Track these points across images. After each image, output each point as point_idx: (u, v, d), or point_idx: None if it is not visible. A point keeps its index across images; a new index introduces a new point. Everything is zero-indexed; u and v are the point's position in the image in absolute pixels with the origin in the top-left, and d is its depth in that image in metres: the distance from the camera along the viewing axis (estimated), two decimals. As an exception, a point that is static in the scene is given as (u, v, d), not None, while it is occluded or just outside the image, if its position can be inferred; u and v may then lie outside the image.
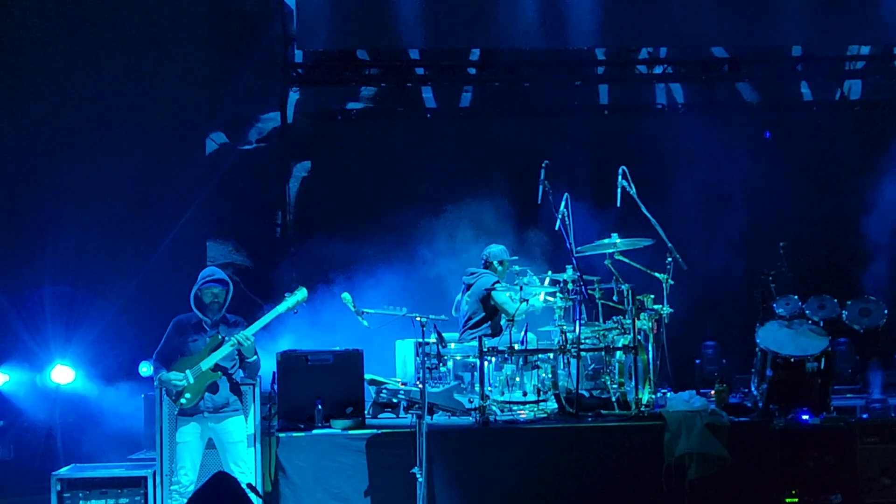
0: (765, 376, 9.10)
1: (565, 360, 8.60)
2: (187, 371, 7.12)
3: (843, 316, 10.50)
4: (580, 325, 8.63)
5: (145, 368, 8.09)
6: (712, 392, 9.11)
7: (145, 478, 7.50)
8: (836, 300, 10.58)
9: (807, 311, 9.87)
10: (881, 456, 8.44)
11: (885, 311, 10.82)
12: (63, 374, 9.09)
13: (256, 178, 12.91)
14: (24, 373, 9.96)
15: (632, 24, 13.84)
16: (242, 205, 12.56)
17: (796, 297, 9.83)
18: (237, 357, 7.35)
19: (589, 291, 8.77)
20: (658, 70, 14.37)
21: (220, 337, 7.23)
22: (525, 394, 8.72)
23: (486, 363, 8.35)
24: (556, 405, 8.47)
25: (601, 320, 9.04)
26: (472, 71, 14.11)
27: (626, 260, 8.83)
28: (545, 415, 8.50)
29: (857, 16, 14.11)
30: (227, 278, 7.51)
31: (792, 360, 9.00)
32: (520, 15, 13.55)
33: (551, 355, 8.64)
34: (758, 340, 9.29)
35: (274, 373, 8.09)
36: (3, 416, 10.13)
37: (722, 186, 12.75)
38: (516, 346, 8.56)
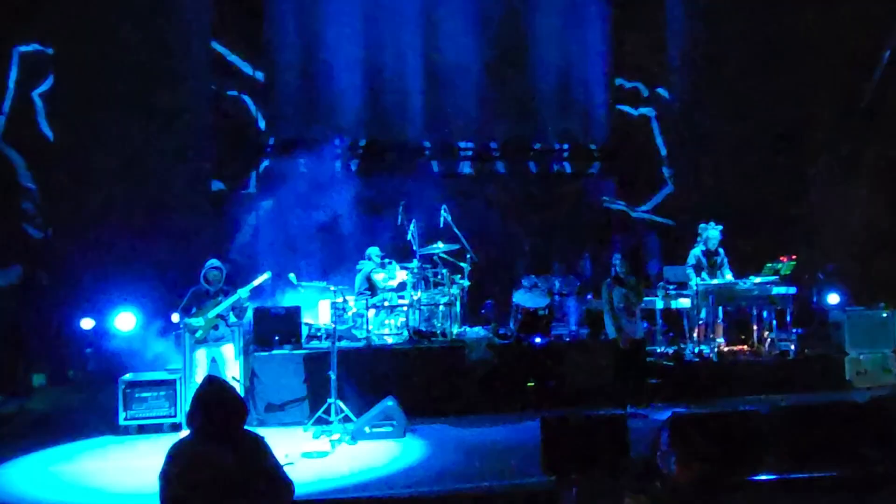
0: (517, 319, 9.78)
1: (413, 310, 9.38)
2: (200, 318, 7.67)
3: (556, 287, 11.02)
4: (421, 291, 9.54)
5: (175, 316, 8.32)
6: (490, 327, 9.95)
7: (175, 380, 7.99)
8: (556, 277, 11.27)
9: (538, 283, 10.38)
10: (576, 361, 8.97)
11: (575, 283, 11.42)
12: (127, 319, 9.27)
13: (242, 210, 13.17)
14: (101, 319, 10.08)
15: (447, 124, 14.43)
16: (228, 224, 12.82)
17: (533, 276, 10.43)
18: (232, 309, 7.80)
19: (426, 273, 9.68)
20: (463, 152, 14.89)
21: (218, 298, 7.75)
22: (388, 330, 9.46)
23: (370, 311, 9.18)
24: (407, 335, 9.18)
25: (432, 287, 9.83)
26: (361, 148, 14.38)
27: (445, 255, 9.71)
28: (401, 341, 9.15)
29: (560, 121, 15.05)
30: (222, 266, 8.02)
31: (530, 309, 9.66)
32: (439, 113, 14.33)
33: (405, 307, 9.41)
34: (514, 300, 10.07)
35: (250, 320, 8.52)
36: (91, 345, 10.29)
37: (495, 218, 13.04)
38: (386, 303, 9.40)
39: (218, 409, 3.18)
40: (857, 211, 14.54)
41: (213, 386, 3.37)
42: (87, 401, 9.17)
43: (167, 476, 3.11)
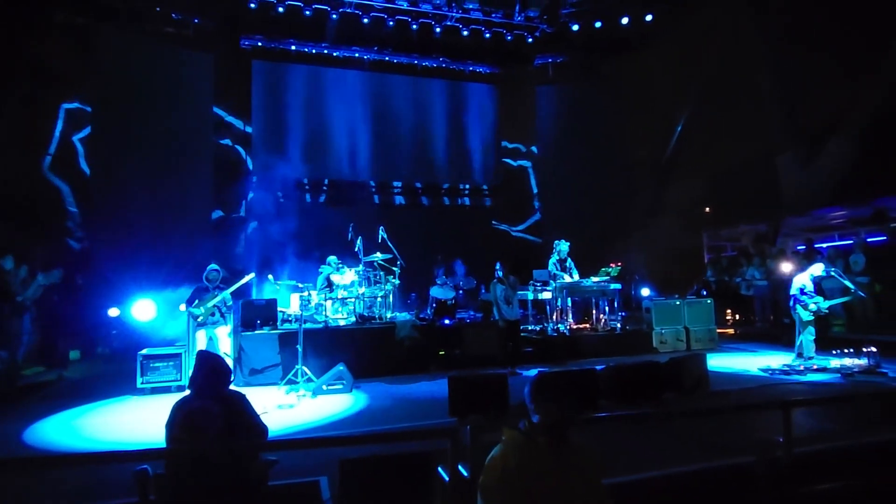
0: (433, 306, 9.81)
1: (359, 301, 9.31)
2: (201, 307, 7.51)
3: (461, 284, 11.28)
4: (365, 287, 9.44)
5: (183, 307, 7.96)
6: (413, 313, 9.99)
7: (180, 353, 7.70)
8: (460, 277, 11.43)
9: (447, 281, 10.61)
10: (473, 336, 9.05)
11: (473, 282, 11.52)
12: (146, 307, 8.82)
13: (235, 230, 12.72)
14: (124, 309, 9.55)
15: (386, 170, 14.43)
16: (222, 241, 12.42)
17: (444, 276, 10.64)
18: (223, 302, 7.63)
19: (368, 274, 9.56)
20: (396, 189, 14.85)
21: (215, 293, 7.56)
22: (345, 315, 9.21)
23: (327, 302, 9.08)
24: (354, 318, 9.11)
25: (373, 284, 9.64)
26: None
27: (382, 262, 9.58)
28: (351, 322, 9.04)
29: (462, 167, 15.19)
30: (219, 268, 7.87)
31: (442, 299, 9.71)
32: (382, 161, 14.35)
33: (355, 298, 9.29)
34: (430, 293, 10.21)
35: (239, 310, 8.35)
36: (116, 328, 9.87)
37: (418, 236, 12.93)
38: (340, 295, 9.22)
39: (209, 374, 3.14)
40: (661, 232, 15.36)
41: (207, 357, 3.29)
42: (112, 371, 8.87)
43: (171, 424, 3.04)
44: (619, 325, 10.15)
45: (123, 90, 11.23)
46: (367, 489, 3.15)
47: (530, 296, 10.12)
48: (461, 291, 11.08)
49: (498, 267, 8.63)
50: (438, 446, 2.90)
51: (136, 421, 6.05)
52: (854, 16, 11.05)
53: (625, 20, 13.70)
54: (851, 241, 11.66)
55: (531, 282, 10.17)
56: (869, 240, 11.54)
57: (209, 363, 3.20)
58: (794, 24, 12.48)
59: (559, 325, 9.74)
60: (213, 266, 7.83)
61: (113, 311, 9.94)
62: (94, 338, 10.38)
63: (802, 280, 8.05)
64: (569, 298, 10.05)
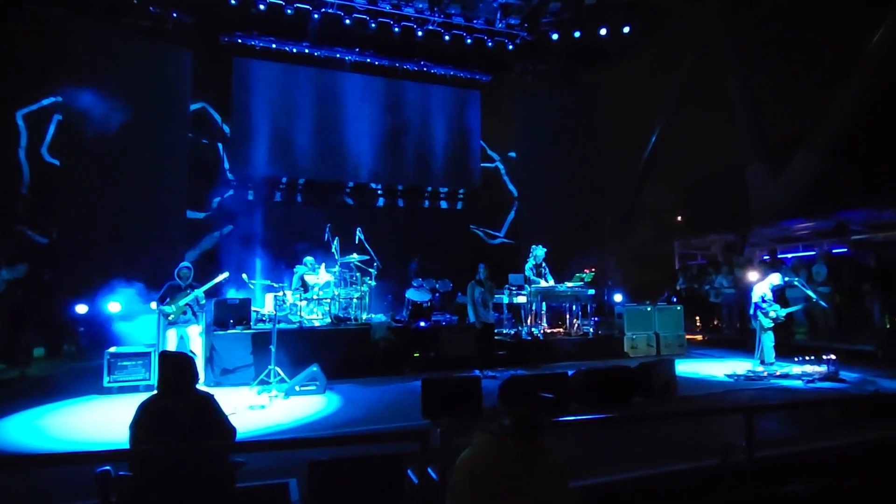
0: (409, 309, 9.75)
1: (334, 301, 9.16)
2: (173, 305, 7.28)
3: (438, 287, 11.15)
4: (341, 288, 9.33)
5: (154, 304, 7.72)
6: (389, 315, 10.01)
7: (149, 352, 7.45)
8: (436, 280, 11.18)
9: (423, 284, 10.38)
10: (448, 338, 8.96)
11: (450, 285, 11.52)
12: (115, 306, 8.57)
13: (209, 227, 12.49)
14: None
15: (365, 171, 14.30)
16: (196, 238, 12.22)
17: (420, 279, 10.38)
18: (195, 300, 7.41)
19: (344, 275, 9.46)
20: (373, 189, 14.73)
21: (187, 291, 7.35)
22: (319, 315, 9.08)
23: (302, 302, 8.88)
24: (329, 319, 8.97)
25: (349, 285, 9.54)
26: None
27: (358, 263, 9.51)
28: (326, 323, 8.88)
29: (440, 171, 15.13)
30: (191, 265, 7.63)
31: (418, 302, 9.70)
32: (360, 162, 14.23)
33: (331, 298, 9.15)
34: (406, 295, 10.04)
35: (212, 308, 8.18)
36: (83, 325, 9.47)
37: (395, 237, 12.89)
38: (315, 296, 9.07)
39: (176, 373, 3.07)
40: (634, 239, 15.62)
41: (171, 357, 3.21)
42: (78, 369, 8.56)
43: (135, 424, 2.96)
44: (591, 330, 10.21)
45: (96, 83, 10.83)
46: (337, 492, 3.10)
47: (505, 299, 10.13)
48: (437, 294, 11.03)
49: (481, 269, 8.58)
50: (410, 449, 2.85)
51: (101, 421, 5.84)
52: (822, 32, 11.37)
53: (603, 31, 13.90)
54: (815, 252, 11.94)
55: (506, 285, 10.16)
56: (832, 251, 11.75)
57: (175, 362, 3.13)
58: (763, 40, 12.90)
59: (533, 329, 9.76)
60: (185, 263, 7.64)
61: (81, 308, 9.63)
62: (60, 335, 10.02)
63: (762, 289, 8.42)
64: (543, 303, 10.09)
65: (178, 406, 2.94)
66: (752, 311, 8.54)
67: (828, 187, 11.50)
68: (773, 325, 8.32)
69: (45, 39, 11.02)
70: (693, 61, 14.76)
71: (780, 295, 8.48)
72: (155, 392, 3.15)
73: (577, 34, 14.03)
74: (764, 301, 8.35)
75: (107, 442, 5.01)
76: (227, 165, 13.47)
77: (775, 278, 8.50)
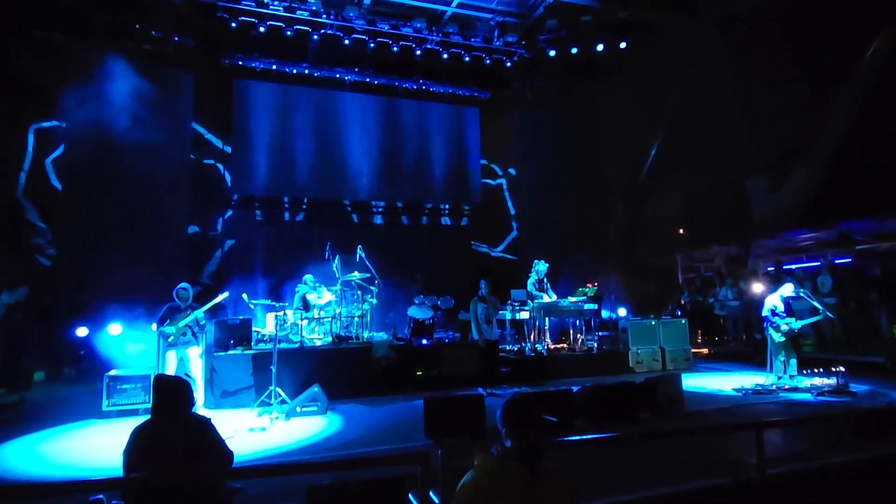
0: (411, 326, 9.54)
1: (336, 320, 9.17)
2: (173, 326, 7.19)
3: (440, 304, 10.94)
4: (342, 306, 9.31)
5: (154, 326, 7.41)
6: (391, 333, 9.75)
7: (149, 375, 7.27)
8: (438, 297, 11.02)
9: (425, 301, 10.28)
10: (451, 356, 8.72)
11: (451, 301, 11.30)
12: (116, 329, 8.43)
13: (211, 247, 12.41)
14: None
15: (367, 189, 14.29)
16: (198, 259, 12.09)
17: (422, 296, 10.27)
18: (195, 321, 7.29)
19: (345, 294, 9.45)
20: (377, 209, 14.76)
21: (187, 312, 7.23)
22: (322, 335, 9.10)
23: (303, 321, 8.80)
24: (330, 338, 8.93)
25: (350, 304, 9.53)
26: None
27: (360, 281, 9.46)
28: (327, 342, 8.86)
29: (440, 187, 15.11)
30: (189, 286, 7.50)
31: (420, 320, 9.51)
32: (360, 181, 14.26)
33: (332, 317, 9.12)
34: (408, 313, 9.84)
35: (213, 328, 8.14)
36: (84, 349, 9.37)
37: (396, 255, 12.65)
38: (316, 315, 9.05)
39: (170, 397, 3.01)
40: (635, 253, 15.55)
41: (166, 381, 3.14)
42: (78, 393, 8.46)
43: (129, 450, 2.88)
44: (595, 346, 10.10)
45: (99, 106, 10.91)
46: (336, 517, 3.00)
47: (508, 315, 10.05)
48: (440, 311, 10.94)
49: (482, 285, 8.49)
50: (412, 471, 2.72)
51: (98, 446, 5.74)
52: (818, 42, 11.33)
53: (600, 47, 13.99)
54: (819, 263, 11.84)
55: (509, 301, 10.09)
56: (836, 261, 11.67)
57: (169, 386, 3.06)
58: (761, 52, 12.93)
59: (537, 345, 9.66)
60: (183, 284, 7.51)
61: (81, 331, 9.55)
62: (60, 358, 9.91)
63: (773, 301, 8.11)
64: (547, 318, 9.99)
65: (172, 432, 2.87)
66: (763, 325, 8.23)
67: (830, 197, 11.43)
68: (784, 339, 7.98)
69: (49, 63, 11.10)
70: (690, 74, 14.83)
71: (788, 307, 8.16)
72: (149, 417, 3.08)
73: (574, 50, 14.11)
74: (775, 314, 8.01)
75: (103, 468, 4.91)
76: (228, 184, 13.50)
77: (787, 289, 8.15)
